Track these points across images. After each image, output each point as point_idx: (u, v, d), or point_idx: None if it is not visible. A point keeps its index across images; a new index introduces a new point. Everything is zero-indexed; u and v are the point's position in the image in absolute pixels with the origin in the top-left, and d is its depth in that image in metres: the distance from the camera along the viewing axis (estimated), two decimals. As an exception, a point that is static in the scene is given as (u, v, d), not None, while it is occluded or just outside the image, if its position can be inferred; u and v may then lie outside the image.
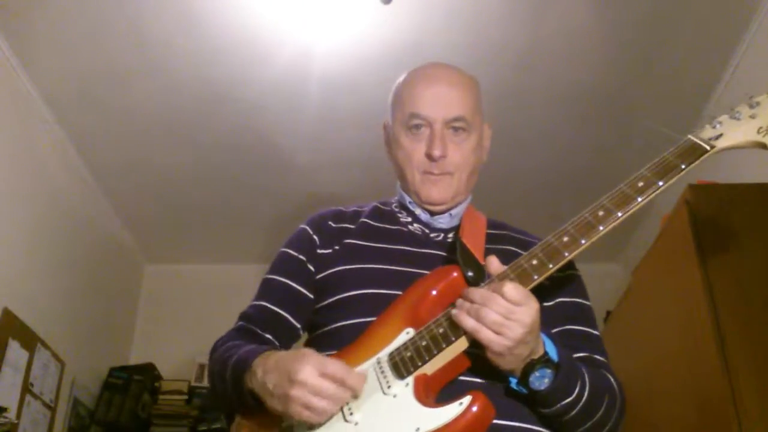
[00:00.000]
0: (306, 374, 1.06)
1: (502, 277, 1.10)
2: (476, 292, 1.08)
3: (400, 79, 1.47)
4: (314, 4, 2.76)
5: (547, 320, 1.22)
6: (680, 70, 2.99)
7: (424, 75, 1.42)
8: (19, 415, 2.91)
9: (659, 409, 2.46)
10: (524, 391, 1.12)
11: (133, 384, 3.79)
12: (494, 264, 1.13)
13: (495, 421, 1.08)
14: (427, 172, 1.36)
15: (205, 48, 2.95)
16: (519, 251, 1.31)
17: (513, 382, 1.12)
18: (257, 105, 3.25)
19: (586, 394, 1.14)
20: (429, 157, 1.34)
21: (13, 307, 2.93)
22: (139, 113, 3.30)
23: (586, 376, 1.16)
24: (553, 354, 1.12)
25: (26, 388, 2.99)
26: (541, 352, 1.10)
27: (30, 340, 3.06)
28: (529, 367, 1.09)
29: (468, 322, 1.06)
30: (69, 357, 3.43)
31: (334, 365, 1.08)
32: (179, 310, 4.34)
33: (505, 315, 1.04)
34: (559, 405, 1.13)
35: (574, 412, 1.14)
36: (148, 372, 3.90)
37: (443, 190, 1.36)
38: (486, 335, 1.05)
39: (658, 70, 3.01)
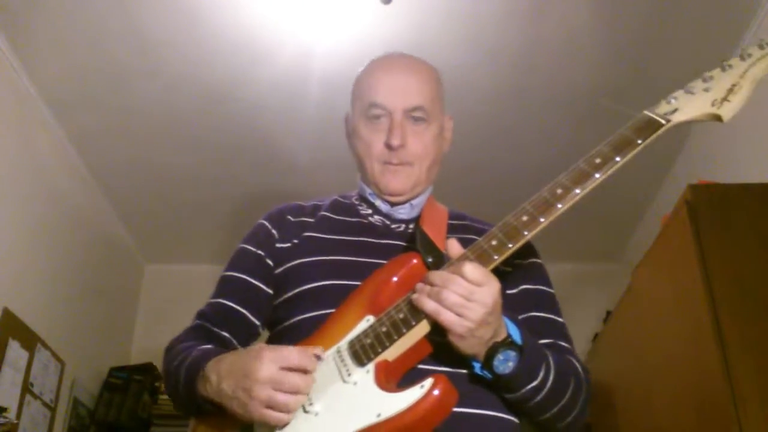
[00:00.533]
0: (267, 371, 1.04)
1: (462, 259, 1.08)
2: (436, 275, 1.06)
3: (361, 69, 1.45)
4: (314, 4, 2.76)
5: (512, 308, 1.22)
6: (680, 70, 2.98)
7: (383, 65, 1.41)
8: (19, 415, 2.91)
9: (659, 409, 2.46)
10: (489, 376, 1.10)
11: (133, 384, 3.79)
12: (454, 246, 1.11)
13: (461, 410, 1.07)
14: (387, 163, 1.33)
15: (205, 48, 2.95)
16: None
17: (477, 367, 1.10)
18: (257, 105, 3.25)
19: (551, 377, 1.13)
20: (388, 146, 1.32)
21: (13, 307, 2.93)
22: (139, 113, 3.30)
23: (551, 359, 1.14)
24: (516, 337, 1.09)
25: (26, 388, 2.99)
26: (504, 335, 1.08)
27: (30, 340, 3.06)
28: (492, 351, 1.07)
29: (428, 305, 1.04)
30: (69, 357, 3.43)
31: (292, 355, 1.06)
32: (179, 310, 4.32)
33: (466, 296, 1.02)
34: (524, 389, 1.11)
35: (540, 397, 1.13)
36: (148, 372, 3.90)
37: (403, 180, 1.34)
38: (447, 317, 1.03)
39: (658, 70, 3.01)
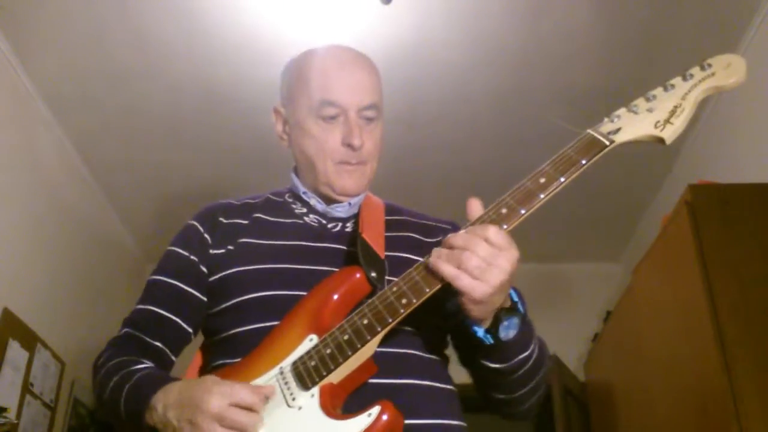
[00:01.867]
0: (214, 405, 1.00)
1: (483, 221, 1.04)
2: (458, 237, 1.02)
3: (300, 60, 1.38)
4: (314, 5, 2.76)
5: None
6: (680, 69, 2.99)
7: (334, 59, 1.34)
8: (19, 415, 2.91)
9: (659, 409, 2.46)
10: (490, 340, 1.08)
11: (133, 384, 3.79)
12: (475, 207, 1.07)
13: (409, 422, 1.06)
14: (343, 162, 1.28)
15: (205, 48, 2.95)
16: (420, 237, 1.31)
17: (479, 331, 1.07)
18: (257, 105, 3.24)
19: (536, 351, 1.14)
20: (350, 146, 1.26)
21: (13, 307, 2.93)
22: (139, 113, 3.30)
23: (536, 333, 1.15)
24: (519, 304, 1.09)
25: (26, 388, 2.99)
26: (509, 302, 1.07)
27: (30, 340, 3.06)
28: (501, 315, 1.06)
29: (446, 269, 1.00)
30: (69, 357, 3.43)
31: (243, 392, 1.03)
32: (179, 310, 4.34)
33: (488, 260, 0.99)
34: (516, 359, 1.10)
35: (525, 368, 1.13)
36: (148, 372, 3.90)
37: (358, 180, 1.30)
38: (466, 282, 0.99)
39: (658, 70, 3.01)
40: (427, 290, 1.05)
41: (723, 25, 2.81)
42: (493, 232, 1.00)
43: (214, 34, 2.88)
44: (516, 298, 1.09)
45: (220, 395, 1.02)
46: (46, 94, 3.20)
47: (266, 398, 1.06)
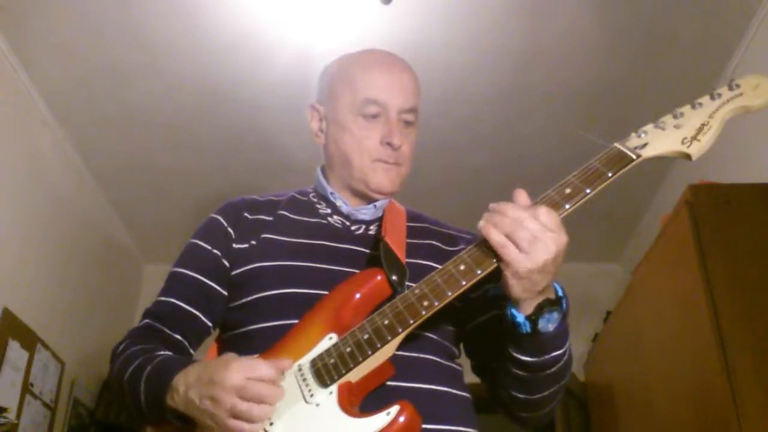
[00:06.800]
0: (233, 378, 1.01)
1: (541, 203, 1.06)
2: (510, 207, 1.02)
3: (345, 59, 1.41)
4: (314, 5, 2.76)
5: (480, 310, 1.22)
6: (680, 69, 2.99)
7: (379, 60, 1.37)
8: (19, 415, 2.91)
9: (659, 409, 2.46)
10: (527, 329, 1.07)
11: (133, 384, 3.78)
12: (522, 197, 1.06)
13: (424, 426, 1.06)
14: (380, 160, 1.30)
15: (205, 48, 2.95)
16: (441, 246, 1.32)
17: (519, 316, 1.07)
18: (257, 105, 3.25)
19: (568, 352, 1.14)
20: (389, 145, 1.29)
21: (13, 307, 2.93)
22: (139, 113, 3.30)
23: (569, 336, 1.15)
24: (564, 300, 1.09)
25: (26, 388, 2.99)
26: (554, 295, 1.07)
27: (30, 340, 3.06)
28: (543, 306, 1.06)
29: (495, 236, 1.01)
30: (69, 357, 3.44)
31: (260, 365, 1.03)
32: (179, 310, 4.33)
33: (536, 234, 0.99)
34: (550, 355, 1.10)
35: (556, 367, 1.12)
36: (148, 372, 3.90)
37: (393, 179, 1.31)
38: (512, 252, 1.00)
39: (659, 70, 3.01)
40: (449, 293, 1.05)
41: (723, 24, 2.81)
42: (544, 212, 1.01)
43: (215, 34, 2.88)
44: (561, 294, 1.09)
45: (238, 369, 1.02)
46: (46, 94, 3.20)
47: (282, 372, 1.06)
